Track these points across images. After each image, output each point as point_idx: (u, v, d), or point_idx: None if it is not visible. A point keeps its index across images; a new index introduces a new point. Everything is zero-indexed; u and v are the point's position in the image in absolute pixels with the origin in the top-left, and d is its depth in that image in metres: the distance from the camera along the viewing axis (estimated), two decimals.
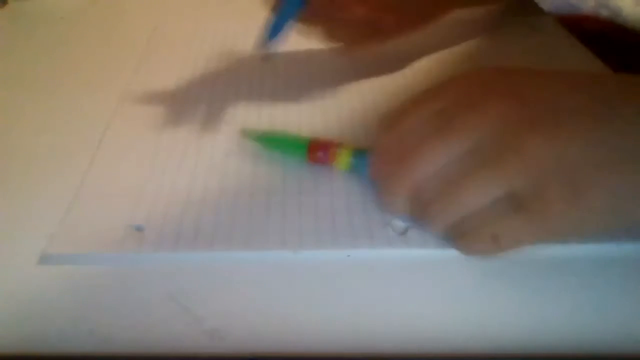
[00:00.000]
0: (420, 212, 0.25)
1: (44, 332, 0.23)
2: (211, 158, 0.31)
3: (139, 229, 0.27)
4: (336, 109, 0.35)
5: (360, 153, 0.29)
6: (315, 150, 0.29)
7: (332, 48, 0.36)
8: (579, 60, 0.40)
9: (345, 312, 0.23)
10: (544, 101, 0.23)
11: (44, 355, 0.22)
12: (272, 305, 0.24)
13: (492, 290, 0.24)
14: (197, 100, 0.36)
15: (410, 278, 0.25)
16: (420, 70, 0.39)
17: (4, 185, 0.30)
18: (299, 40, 0.36)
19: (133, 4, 0.51)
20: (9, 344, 0.22)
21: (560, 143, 0.22)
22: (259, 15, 0.35)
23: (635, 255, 0.26)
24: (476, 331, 0.23)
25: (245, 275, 0.25)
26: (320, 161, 0.30)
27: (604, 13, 0.49)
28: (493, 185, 0.23)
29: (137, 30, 0.43)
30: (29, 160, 0.32)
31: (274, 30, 0.29)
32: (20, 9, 0.51)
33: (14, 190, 0.30)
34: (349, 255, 0.26)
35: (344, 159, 0.29)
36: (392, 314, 0.23)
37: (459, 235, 0.25)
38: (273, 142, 0.31)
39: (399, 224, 0.27)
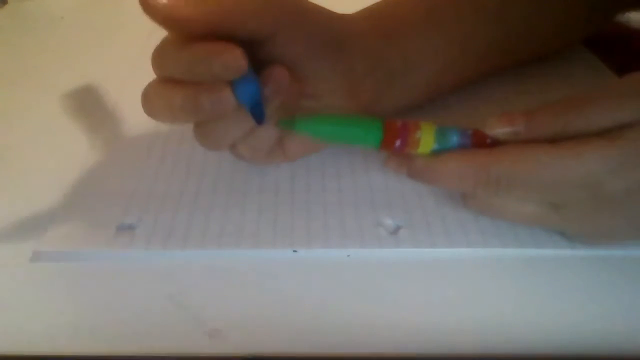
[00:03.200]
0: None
1: (43, 332, 0.23)
2: (204, 157, 0.31)
3: (130, 227, 0.27)
4: None
5: (443, 134, 0.25)
6: (392, 139, 0.24)
7: None
8: (579, 61, 0.40)
9: (345, 311, 0.23)
10: None
11: (44, 356, 0.22)
12: (272, 305, 0.24)
13: (489, 289, 0.24)
14: None
15: (404, 277, 0.25)
16: None
17: (0, 184, 0.30)
18: None
19: (133, 4, 0.51)
20: (8, 344, 0.22)
21: None
22: None
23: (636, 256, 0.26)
24: (473, 330, 0.23)
25: (245, 275, 0.25)
26: (397, 150, 0.25)
27: None
28: None
29: (137, 30, 0.43)
30: (26, 159, 0.32)
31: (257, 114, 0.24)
32: (20, 9, 0.51)
33: (11, 189, 0.30)
34: (349, 255, 0.26)
35: (427, 145, 0.24)
36: (391, 314, 0.23)
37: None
38: (332, 128, 0.25)
39: (390, 223, 0.27)
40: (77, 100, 0.37)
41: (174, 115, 0.24)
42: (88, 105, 0.36)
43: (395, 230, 0.26)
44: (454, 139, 0.24)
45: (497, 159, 0.23)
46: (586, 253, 0.25)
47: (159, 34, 0.23)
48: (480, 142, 0.24)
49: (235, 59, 0.21)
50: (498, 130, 0.23)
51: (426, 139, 0.24)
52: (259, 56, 0.24)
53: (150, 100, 0.24)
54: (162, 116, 0.24)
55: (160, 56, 0.23)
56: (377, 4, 0.31)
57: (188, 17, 0.21)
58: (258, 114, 0.24)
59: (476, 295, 0.24)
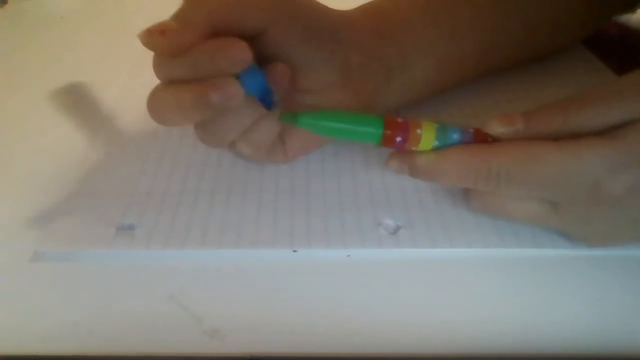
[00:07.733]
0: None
1: (43, 332, 0.23)
2: (204, 156, 0.31)
3: (130, 227, 0.27)
4: None
5: (445, 131, 0.24)
6: (393, 135, 0.24)
7: None
8: (579, 61, 0.40)
9: (345, 311, 0.23)
10: None
11: (44, 355, 0.22)
12: (272, 305, 0.24)
13: (489, 289, 0.24)
14: None
15: (404, 277, 0.25)
16: None
17: (0, 184, 0.30)
18: None
19: (133, 4, 0.51)
20: (8, 344, 0.22)
21: None
22: None
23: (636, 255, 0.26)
24: (473, 330, 0.23)
25: (245, 275, 0.25)
26: (397, 146, 0.25)
27: None
28: None
29: (137, 30, 0.43)
30: (26, 159, 0.32)
31: (264, 99, 0.24)
32: (20, 9, 0.51)
33: (11, 189, 0.30)
34: (349, 255, 0.26)
35: (428, 142, 0.24)
36: (391, 314, 0.23)
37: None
38: (333, 123, 0.24)
39: (390, 223, 0.27)
40: (77, 100, 0.37)
41: (186, 115, 0.23)
42: (88, 105, 0.36)
43: (395, 230, 0.26)
44: (455, 137, 0.24)
45: (498, 153, 0.23)
46: (586, 253, 0.25)
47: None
48: (482, 140, 0.24)
49: (241, 52, 0.22)
50: (499, 130, 0.23)
51: (427, 136, 0.24)
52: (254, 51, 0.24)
53: (158, 104, 0.24)
54: (173, 119, 0.24)
55: (161, 61, 0.23)
56: (373, 0, 0.31)
57: (191, 42, 0.22)
58: (268, 102, 0.24)
59: (476, 295, 0.24)
